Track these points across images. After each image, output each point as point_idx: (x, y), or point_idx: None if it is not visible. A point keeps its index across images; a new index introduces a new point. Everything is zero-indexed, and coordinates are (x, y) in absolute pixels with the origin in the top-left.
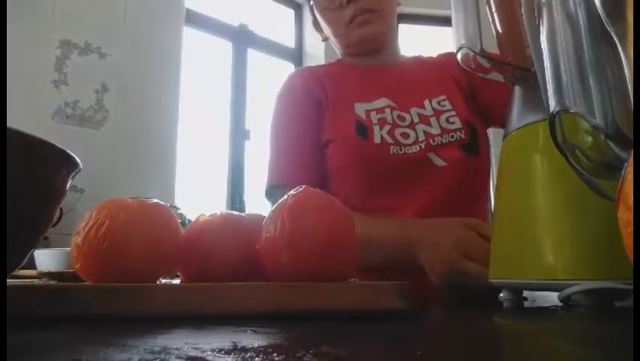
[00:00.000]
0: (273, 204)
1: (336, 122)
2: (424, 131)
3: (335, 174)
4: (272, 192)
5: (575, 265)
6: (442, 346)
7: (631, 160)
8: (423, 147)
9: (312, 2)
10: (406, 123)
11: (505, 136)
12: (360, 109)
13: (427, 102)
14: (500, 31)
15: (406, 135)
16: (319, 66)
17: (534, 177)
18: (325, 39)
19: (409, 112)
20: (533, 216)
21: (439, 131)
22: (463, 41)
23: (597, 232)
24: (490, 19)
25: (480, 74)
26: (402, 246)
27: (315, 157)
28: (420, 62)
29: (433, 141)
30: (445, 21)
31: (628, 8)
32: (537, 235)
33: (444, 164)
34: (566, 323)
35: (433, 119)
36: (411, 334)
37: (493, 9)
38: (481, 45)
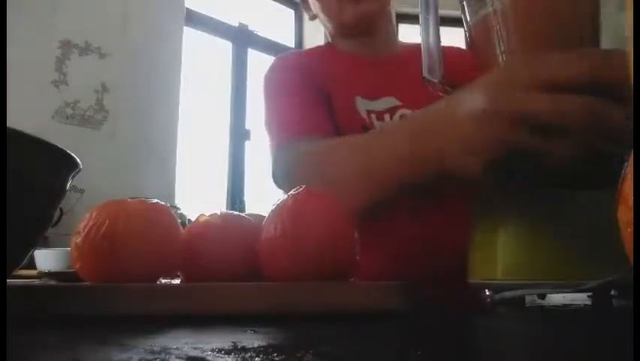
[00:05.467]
0: (282, 172)
1: (338, 120)
2: None
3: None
4: (280, 155)
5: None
6: (442, 346)
7: (631, 160)
8: None
9: None
10: None
11: None
12: (361, 107)
13: None
14: (470, 44)
15: None
16: (309, 50)
17: None
18: (314, 17)
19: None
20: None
21: None
22: (424, 73)
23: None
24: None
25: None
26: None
27: (324, 109)
28: None
29: None
30: (445, 21)
31: (628, 8)
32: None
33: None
34: (566, 323)
35: None
36: (411, 334)
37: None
38: (441, 75)
